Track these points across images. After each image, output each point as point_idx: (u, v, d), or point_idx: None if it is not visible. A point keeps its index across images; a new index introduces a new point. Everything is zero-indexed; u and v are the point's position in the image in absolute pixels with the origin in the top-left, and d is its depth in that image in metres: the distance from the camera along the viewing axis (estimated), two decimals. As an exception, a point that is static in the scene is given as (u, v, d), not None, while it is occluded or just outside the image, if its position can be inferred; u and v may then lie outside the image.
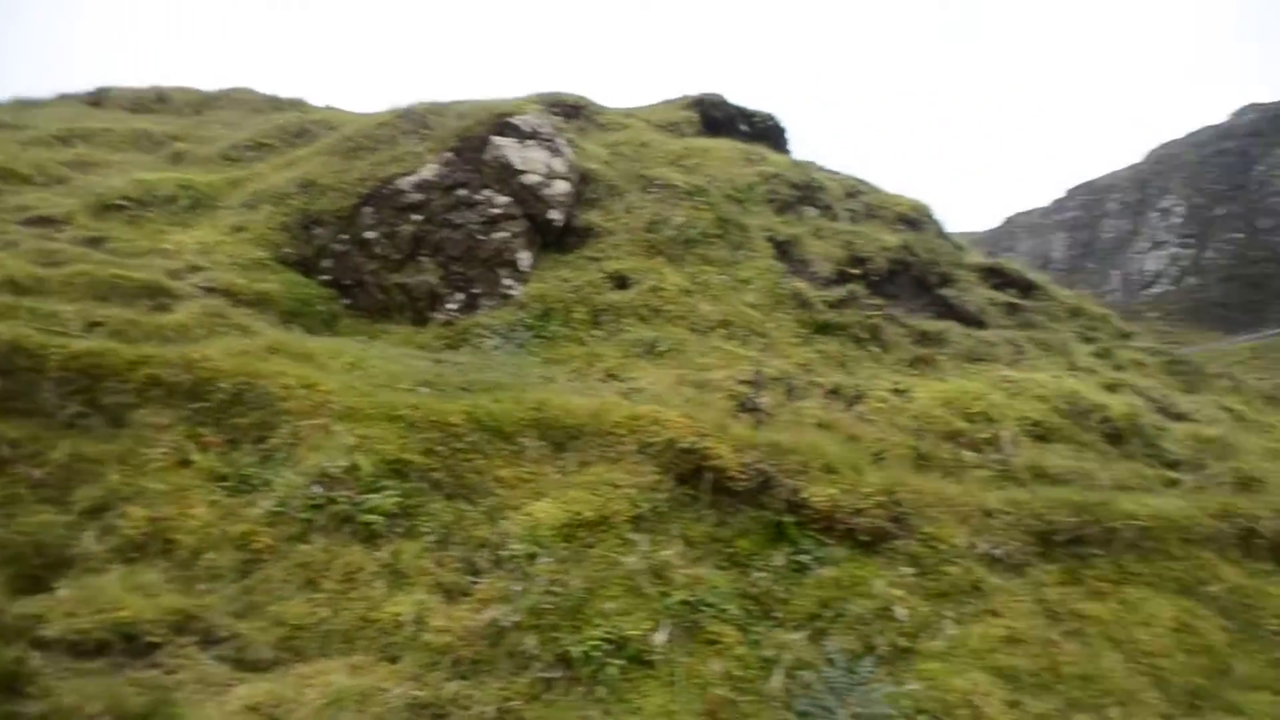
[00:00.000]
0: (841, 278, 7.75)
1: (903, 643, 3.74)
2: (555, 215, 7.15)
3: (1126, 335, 9.52)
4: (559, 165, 7.40)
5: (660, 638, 3.38)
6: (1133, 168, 63.99)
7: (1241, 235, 52.73)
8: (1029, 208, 68.10)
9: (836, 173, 10.44)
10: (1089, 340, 8.64)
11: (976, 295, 8.50)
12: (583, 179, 7.74)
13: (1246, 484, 5.50)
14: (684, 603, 3.57)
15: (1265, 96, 57.14)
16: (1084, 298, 10.75)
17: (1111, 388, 6.90)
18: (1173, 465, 5.78)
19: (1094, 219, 61.84)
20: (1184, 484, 5.46)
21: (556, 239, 7.24)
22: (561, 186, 7.28)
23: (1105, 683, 3.87)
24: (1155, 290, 52.59)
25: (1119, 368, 7.58)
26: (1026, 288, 9.38)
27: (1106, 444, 5.90)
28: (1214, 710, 3.83)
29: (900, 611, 3.88)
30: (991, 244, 56.24)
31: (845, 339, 7.01)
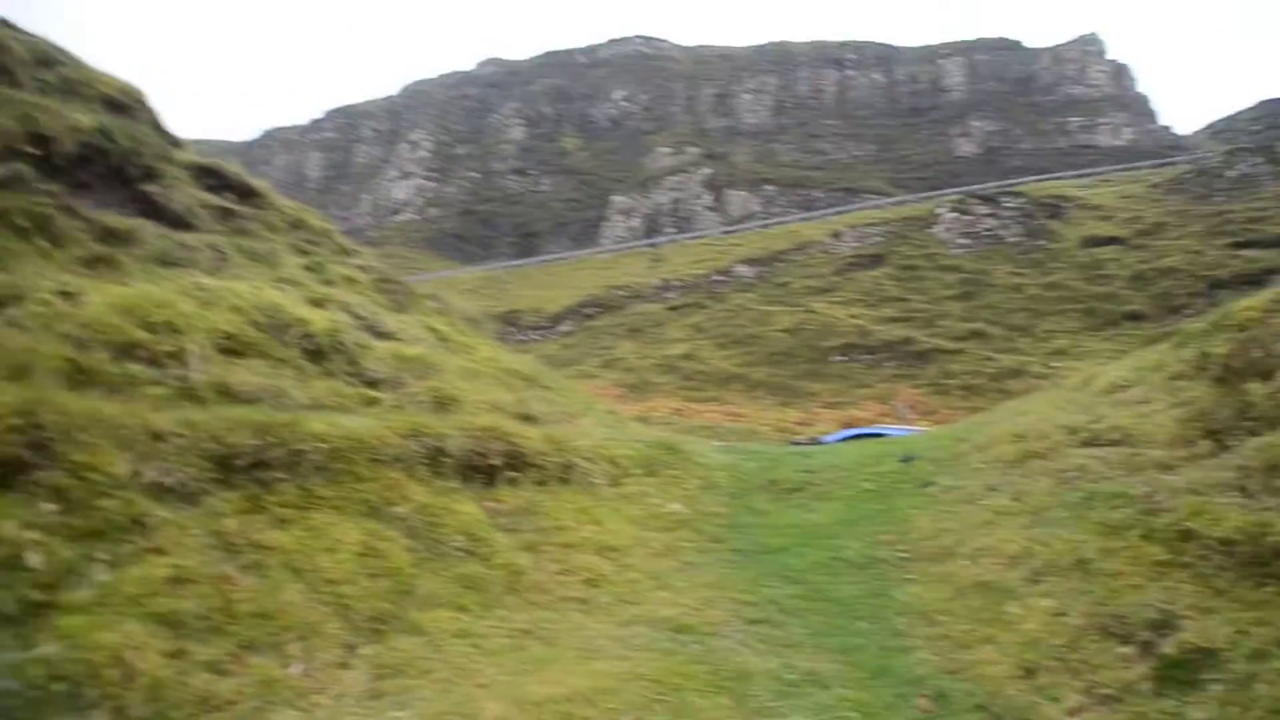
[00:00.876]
0: (10, 155, 9.65)
1: (38, 596, 5.10)
2: None
3: (348, 252, 14.00)
4: None
5: None
6: (388, 99, 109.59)
7: (478, 175, 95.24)
8: (287, 124, 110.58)
9: (30, 35, 13.29)
10: (305, 254, 12.52)
11: (185, 195, 11.66)
12: None
13: (443, 403, 9.46)
14: None
15: (507, 52, 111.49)
16: (307, 210, 15.29)
17: (318, 303, 10.16)
18: (374, 384, 9.13)
19: (349, 143, 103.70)
20: (383, 403, 8.91)
21: None
22: None
23: (285, 617, 6.24)
24: (402, 218, 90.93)
25: (329, 283, 11.17)
26: (246, 194, 13.31)
27: (306, 360, 8.81)
28: (397, 633, 6.76)
29: (35, 559, 5.22)
30: (247, 156, 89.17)
31: (5, 230, 8.84)
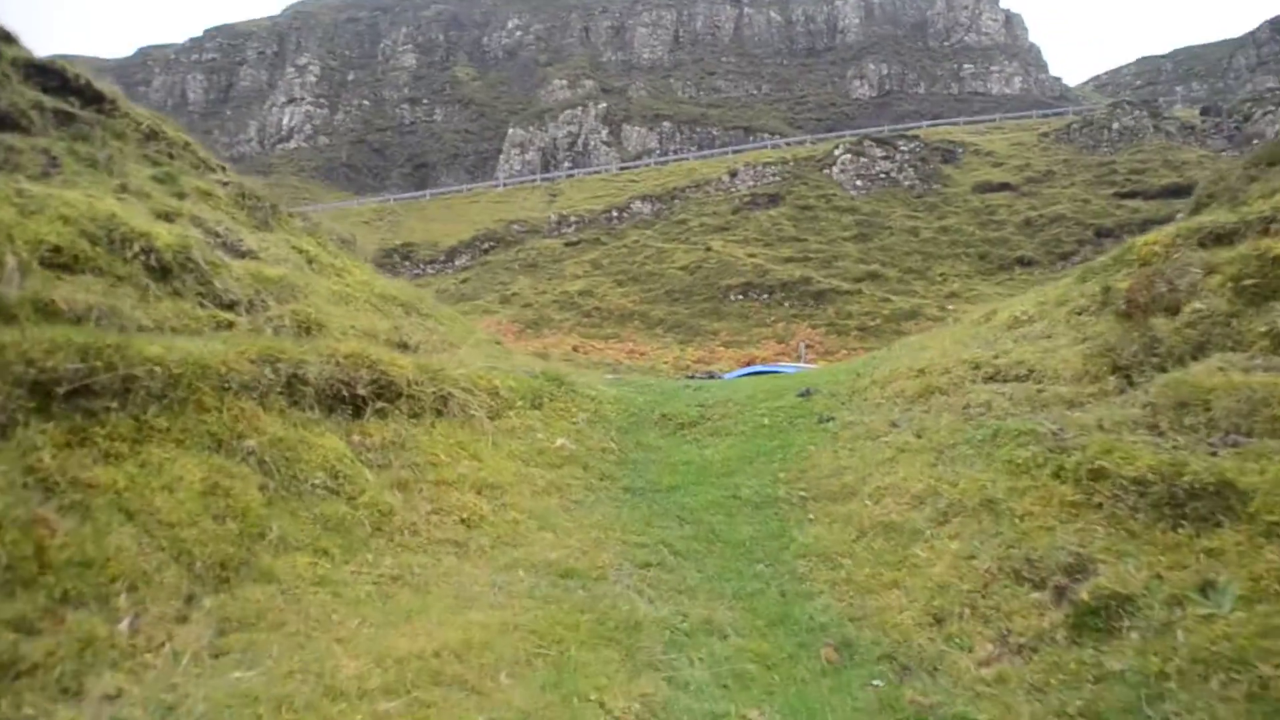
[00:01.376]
0: None
1: None
2: None
3: (210, 167, 12.86)
4: None
5: None
6: (271, 19, 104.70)
7: (369, 103, 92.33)
8: (164, 42, 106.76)
9: None
10: (157, 164, 11.41)
11: (14, 94, 10.42)
12: None
13: (307, 327, 8.55)
14: None
15: None
16: (166, 120, 14.13)
17: (166, 216, 9.13)
18: (229, 306, 8.16)
19: (233, 65, 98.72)
20: (239, 326, 7.97)
21: None
22: None
23: (113, 566, 5.39)
24: (290, 145, 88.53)
25: (181, 195, 10.04)
26: (93, 99, 12.08)
27: (150, 279, 7.80)
28: (245, 581, 6.00)
29: None
30: (123, 76, 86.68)
31: None
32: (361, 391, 7.96)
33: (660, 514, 8.40)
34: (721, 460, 9.93)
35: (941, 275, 43.84)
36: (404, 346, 9.64)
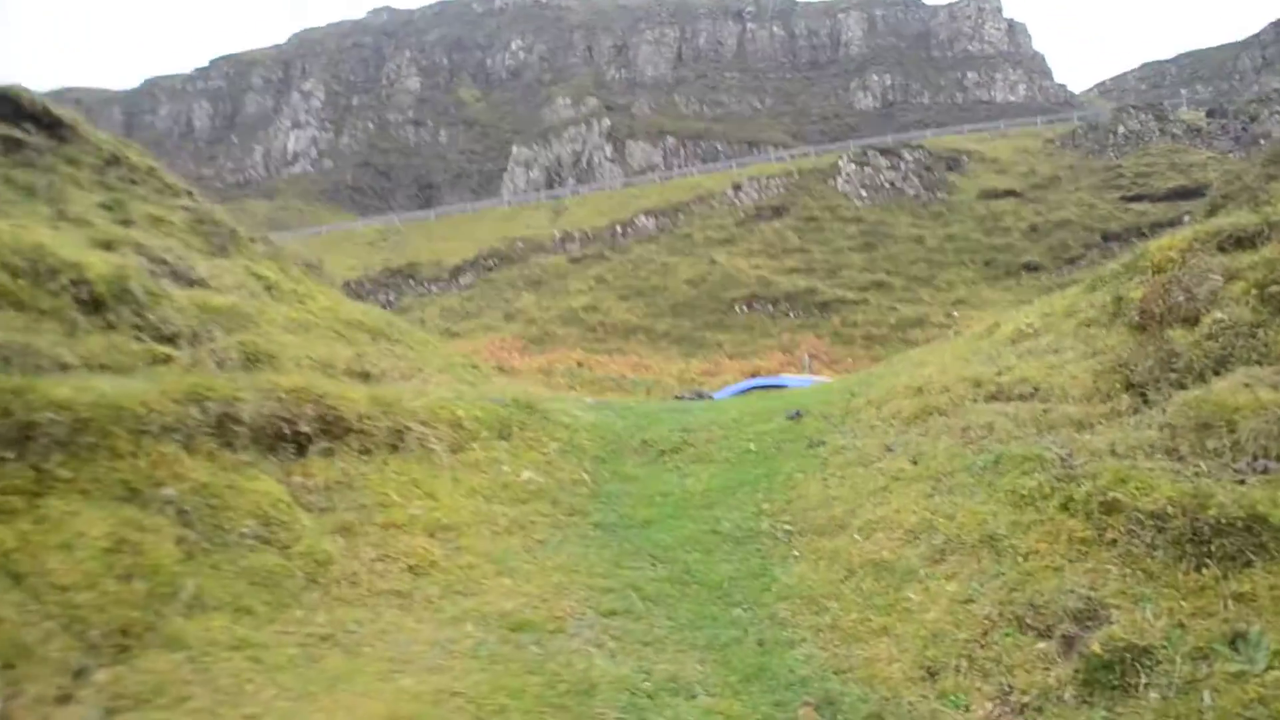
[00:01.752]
0: None
1: None
2: None
3: (176, 191, 12.26)
4: None
5: None
6: (276, 47, 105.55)
7: (373, 126, 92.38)
8: (171, 72, 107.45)
9: None
10: (110, 191, 10.82)
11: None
12: None
13: (255, 360, 7.90)
14: None
15: (399, 1, 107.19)
16: (130, 146, 13.59)
17: (107, 245, 8.52)
18: (170, 339, 7.52)
19: (239, 92, 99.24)
20: (178, 361, 7.32)
21: None
22: None
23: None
24: (295, 169, 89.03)
25: (127, 223, 9.48)
26: (49, 125, 11.60)
27: (80, 313, 7.13)
28: (150, 649, 5.27)
29: None
30: (130, 105, 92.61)
31: None
32: (305, 429, 7.27)
33: (632, 553, 7.67)
34: (702, 491, 9.21)
35: (948, 283, 43.16)
36: (365, 376, 8.98)
